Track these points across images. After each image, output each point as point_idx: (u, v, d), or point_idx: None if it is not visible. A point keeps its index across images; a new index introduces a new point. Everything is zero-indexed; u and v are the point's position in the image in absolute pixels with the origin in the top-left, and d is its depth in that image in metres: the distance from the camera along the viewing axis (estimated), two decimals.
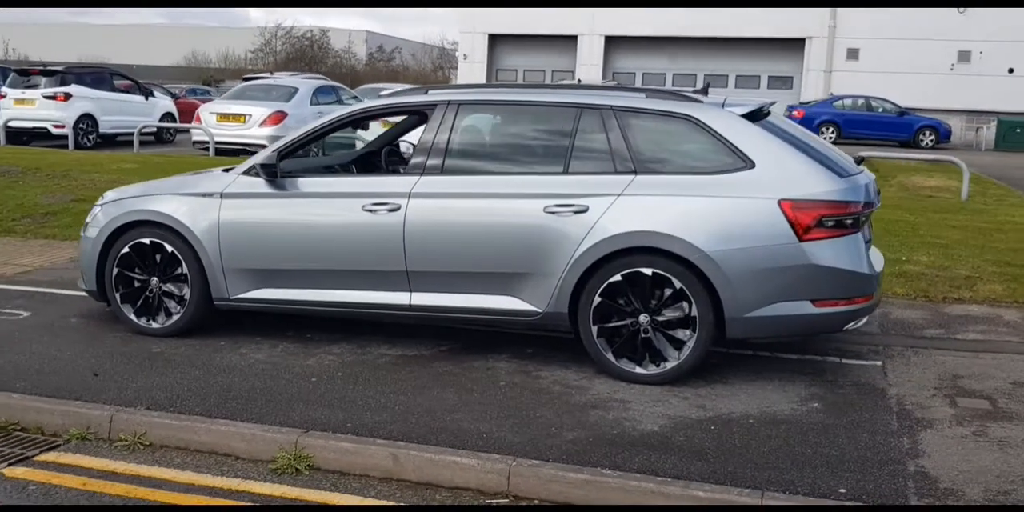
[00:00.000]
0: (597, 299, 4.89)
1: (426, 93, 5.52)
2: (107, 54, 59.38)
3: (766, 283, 4.73)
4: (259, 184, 5.44)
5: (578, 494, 3.73)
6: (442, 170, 5.21)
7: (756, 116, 5.07)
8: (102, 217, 5.77)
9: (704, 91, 5.43)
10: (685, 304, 4.79)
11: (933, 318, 6.42)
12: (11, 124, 16.89)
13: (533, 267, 4.97)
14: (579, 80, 17.42)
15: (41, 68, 17.53)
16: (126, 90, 18.47)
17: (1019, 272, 7.70)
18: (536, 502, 3.77)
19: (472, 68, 33.32)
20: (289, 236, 5.38)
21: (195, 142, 15.94)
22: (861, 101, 28.39)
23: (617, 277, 4.84)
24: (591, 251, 4.86)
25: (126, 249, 5.63)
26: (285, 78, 19.30)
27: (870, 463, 3.93)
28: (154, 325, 5.65)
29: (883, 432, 4.29)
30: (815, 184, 4.77)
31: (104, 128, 17.36)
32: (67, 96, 16.68)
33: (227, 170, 5.73)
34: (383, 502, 3.77)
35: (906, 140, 27.64)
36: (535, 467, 3.83)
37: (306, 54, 61.33)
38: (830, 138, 27.41)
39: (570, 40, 32.96)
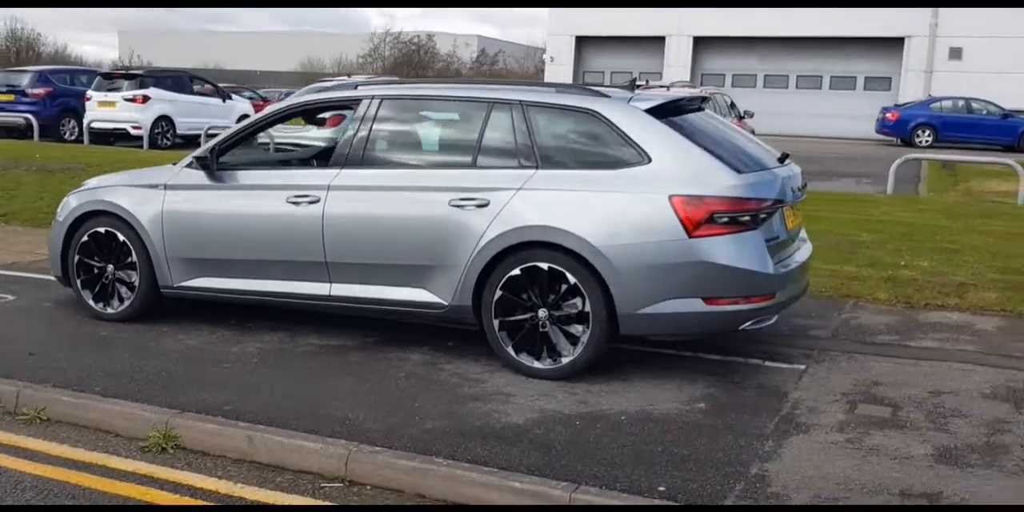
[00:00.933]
0: (498, 293, 4.91)
1: (355, 89, 5.65)
2: (231, 61, 62.21)
3: (656, 279, 4.66)
4: (200, 176, 5.68)
5: (407, 481, 3.79)
6: (361, 163, 5.33)
7: (664, 110, 4.99)
8: (71, 205, 6.13)
9: (631, 86, 5.37)
10: (579, 299, 4.77)
11: (897, 324, 6.15)
12: (93, 125, 17.97)
13: (440, 260, 5.04)
14: (641, 82, 17.17)
15: (123, 72, 18.57)
16: (205, 93, 19.36)
17: (1022, 280, 7.27)
18: (369, 487, 3.84)
19: (558, 70, 33.41)
20: (222, 227, 5.60)
21: (259, 144, 16.57)
22: (961, 103, 27.07)
23: (516, 271, 4.86)
24: (491, 245, 4.89)
25: (85, 237, 5.97)
26: (351, 80, 19.76)
27: (713, 464, 3.83)
28: (108, 310, 5.97)
29: (752, 435, 4.17)
30: (709, 180, 4.67)
31: (181, 129, 18.25)
32: (145, 99, 17.63)
33: (176, 164, 6.01)
34: (227, 482, 3.90)
35: (1010, 144, 26.16)
36: (373, 454, 3.90)
37: (412, 59, 62.66)
38: (926, 142, 26.29)
39: (658, 41, 32.67)
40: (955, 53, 29.84)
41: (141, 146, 17.90)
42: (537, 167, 4.95)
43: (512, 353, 4.94)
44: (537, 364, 4.89)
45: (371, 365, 5.13)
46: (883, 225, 9.91)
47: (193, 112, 18.43)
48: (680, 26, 31.97)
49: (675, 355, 5.38)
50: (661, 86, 16.56)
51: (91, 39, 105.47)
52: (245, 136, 5.80)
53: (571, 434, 4.15)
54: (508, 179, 4.96)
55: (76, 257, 6.02)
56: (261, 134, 5.90)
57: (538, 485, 3.60)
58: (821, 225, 9.55)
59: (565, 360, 4.84)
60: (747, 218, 4.66)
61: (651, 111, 4.89)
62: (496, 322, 4.95)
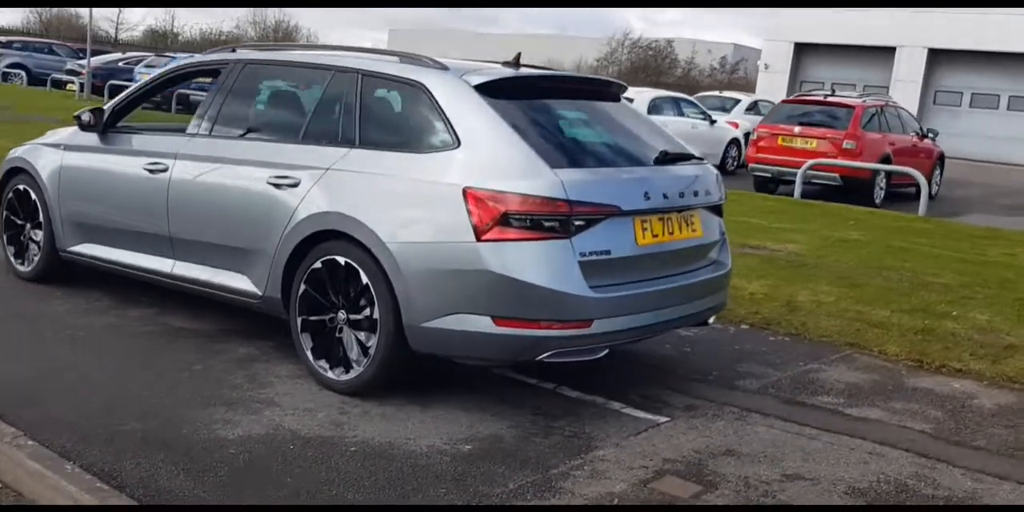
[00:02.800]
0: (302, 287, 4.28)
1: (232, 52, 5.19)
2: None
3: (442, 288, 3.83)
4: (92, 138, 5.45)
5: (28, 483, 3.27)
6: (210, 132, 4.88)
7: (506, 90, 4.12)
8: (3, 161, 6.13)
9: (515, 62, 4.50)
10: (371, 303, 4.02)
11: (864, 386, 4.84)
12: None
13: (255, 243, 4.48)
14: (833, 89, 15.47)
15: None
16: None
17: None
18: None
19: (773, 78, 31.38)
20: (97, 191, 5.36)
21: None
22: None
23: (318, 264, 4.20)
24: (295, 231, 4.27)
25: (10, 194, 5.94)
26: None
27: None
28: (21, 269, 5.90)
29: (480, 494, 3.27)
30: (512, 173, 3.78)
31: None
32: None
33: None
34: None
35: None
36: (17, 448, 3.42)
37: (649, 64, 61.77)
38: None
39: (886, 52, 29.73)
40: None
41: None
42: (353, 145, 4.26)
43: (311, 358, 4.28)
44: (330, 374, 4.20)
45: (184, 354, 4.64)
46: (982, 267, 8.13)
47: None
48: (913, 36, 28.85)
49: (525, 384, 4.48)
50: (821, 92, 14.92)
51: (370, 37, 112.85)
52: (133, 100, 5.49)
53: (261, 456, 3.46)
54: (322, 157, 4.30)
55: (4, 213, 6.00)
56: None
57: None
58: (910, 262, 8.02)
59: (353, 373, 4.12)
60: (554, 223, 3.72)
61: (484, 88, 4.05)
62: (299, 320, 4.31)
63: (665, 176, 4.13)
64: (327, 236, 4.16)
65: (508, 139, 3.85)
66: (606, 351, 3.96)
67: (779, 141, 13.74)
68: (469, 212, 3.73)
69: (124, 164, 5.20)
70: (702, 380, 4.77)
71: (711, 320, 4.70)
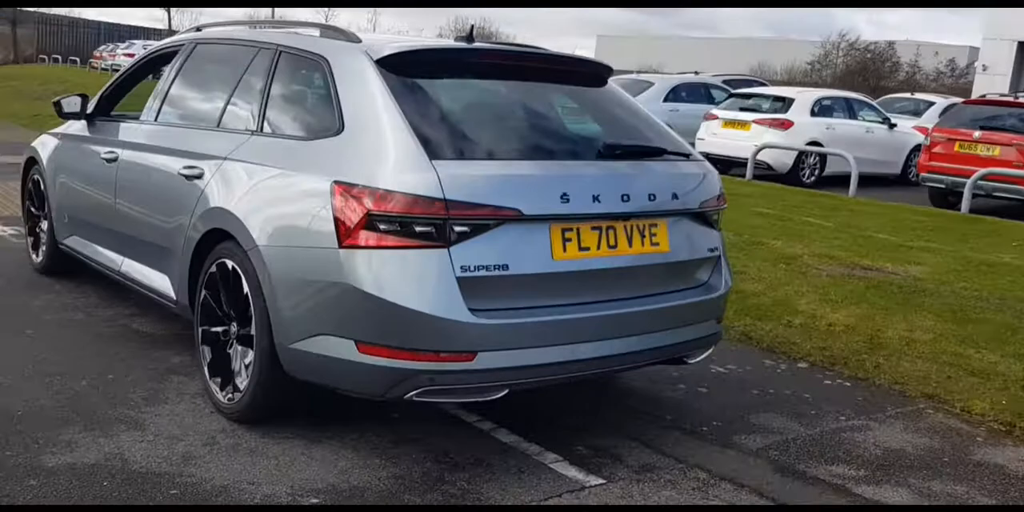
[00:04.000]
0: (203, 293, 3.73)
1: (198, 31, 4.72)
2: (680, 64, 62.81)
3: (308, 303, 3.16)
4: (82, 127, 5.19)
5: None
6: (156, 118, 4.44)
7: (417, 65, 3.37)
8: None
9: (467, 37, 3.73)
10: (251, 316, 3.41)
11: (911, 454, 3.72)
12: None
13: (170, 241, 3.99)
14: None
15: None
16: None
17: None
18: None
19: (992, 81, 28.01)
20: (72, 181, 5.11)
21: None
22: None
23: (213, 268, 3.64)
24: (194, 229, 3.73)
25: (29, 185, 5.84)
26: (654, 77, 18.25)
27: None
28: (35, 260, 5.78)
29: None
30: (384, 165, 3.04)
31: None
32: None
33: None
34: None
35: None
36: None
37: (867, 68, 57.85)
38: None
39: None
40: None
41: None
42: (255, 132, 3.67)
43: (207, 374, 3.73)
44: (219, 395, 3.63)
45: (115, 361, 4.22)
46: None
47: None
48: None
49: (458, 420, 3.71)
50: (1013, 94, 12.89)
51: (580, 44, 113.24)
52: (119, 86, 5.15)
53: (56, 491, 2.92)
54: (224, 146, 3.73)
55: (26, 203, 5.91)
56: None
57: None
58: None
59: (237, 396, 3.52)
60: (428, 228, 2.94)
61: (388, 63, 3.31)
62: (200, 331, 3.77)
63: (604, 174, 3.25)
64: (221, 236, 3.59)
65: (393, 123, 3.11)
66: (504, 392, 3.13)
67: (956, 147, 11.92)
68: (334, 212, 3.03)
69: (91, 153, 4.89)
70: (690, 431, 3.81)
71: (695, 359, 3.72)
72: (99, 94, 5.13)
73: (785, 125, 13.76)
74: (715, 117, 14.46)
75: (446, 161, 3.01)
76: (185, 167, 3.86)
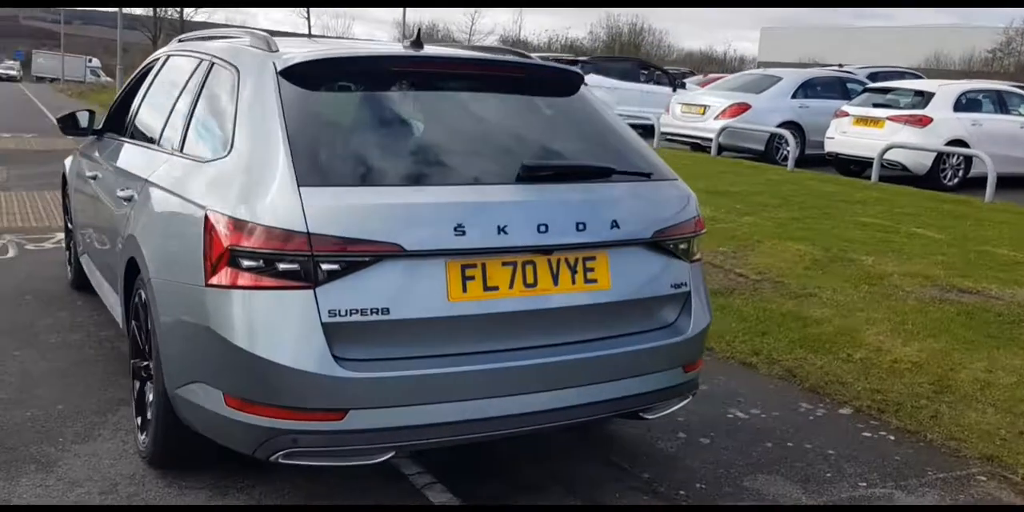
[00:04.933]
0: (132, 323, 3.49)
1: (179, 42, 4.44)
2: (841, 56, 59.75)
3: (184, 345, 2.85)
4: (92, 143, 5.10)
5: None
6: (125, 135, 4.27)
7: (320, 73, 2.95)
8: None
9: (415, 42, 3.28)
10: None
11: None
12: None
13: (115, 267, 3.76)
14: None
15: (570, 58, 18.54)
16: (658, 82, 18.47)
17: None
18: None
19: None
20: (76, 198, 5.05)
21: (663, 133, 15.20)
22: None
23: (136, 298, 3.38)
24: (121, 256, 3.48)
25: (65, 200, 5.86)
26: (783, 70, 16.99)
27: None
28: (68, 274, 5.79)
29: None
30: (250, 190, 2.66)
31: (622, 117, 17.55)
32: None
33: None
34: None
35: None
36: None
37: None
38: None
39: None
40: None
41: None
42: (175, 152, 3.37)
43: (134, 411, 3.48)
44: (140, 435, 3.36)
45: (79, 388, 4.06)
46: None
47: (632, 100, 17.63)
48: None
49: (392, 473, 3.29)
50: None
51: (744, 36, 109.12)
52: (120, 103, 4.99)
53: None
54: (148, 166, 3.47)
55: (65, 218, 5.95)
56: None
57: None
58: None
59: (146, 439, 3.24)
60: (292, 266, 2.54)
61: (292, 74, 2.91)
62: (132, 363, 3.53)
63: (515, 200, 2.74)
64: (136, 264, 3.33)
65: (271, 143, 2.72)
66: (389, 455, 2.69)
67: None
68: (204, 245, 2.69)
69: (84, 171, 4.78)
70: (663, 495, 3.25)
71: (655, 414, 3.14)
72: (108, 110, 5.02)
73: (923, 122, 12.49)
74: (846, 114, 13.33)
75: (318, 188, 2.60)
76: (121, 189, 3.64)
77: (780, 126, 13.64)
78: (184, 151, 3.31)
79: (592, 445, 3.65)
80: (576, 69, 3.42)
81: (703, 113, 14.42)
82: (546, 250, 2.76)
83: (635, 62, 19.31)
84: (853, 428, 3.99)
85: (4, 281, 5.82)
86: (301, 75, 2.93)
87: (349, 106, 2.99)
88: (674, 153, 14.25)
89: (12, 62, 65.98)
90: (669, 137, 15.02)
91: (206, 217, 2.68)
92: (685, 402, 3.25)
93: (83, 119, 4.93)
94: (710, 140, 13.95)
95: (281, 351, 2.52)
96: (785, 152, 13.50)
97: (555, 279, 2.78)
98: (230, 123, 2.95)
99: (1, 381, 4.11)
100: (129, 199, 3.52)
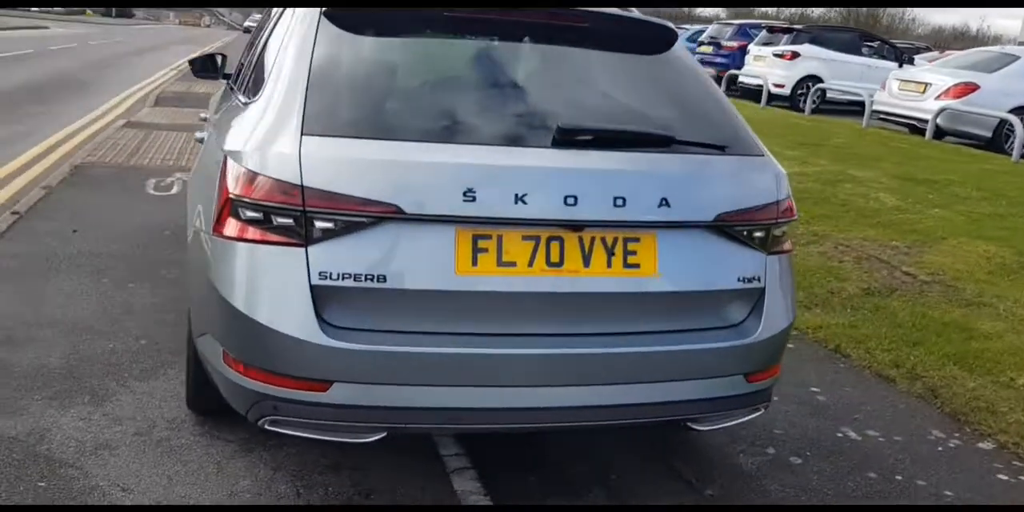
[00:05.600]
0: None
1: None
2: None
3: (198, 294, 2.70)
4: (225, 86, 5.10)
5: None
6: (233, 78, 4.16)
7: (374, 15, 2.66)
8: None
9: None
10: None
11: None
12: (741, 80, 17.31)
13: None
14: None
15: (785, 26, 17.30)
16: (882, 55, 16.92)
17: None
18: None
19: None
20: None
21: (874, 111, 13.90)
22: None
23: None
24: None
25: None
26: None
27: None
28: None
29: None
30: (259, 136, 2.44)
31: (832, 92, 16.32)
32: (794, 55, 16.19)
33: None
34: None
35: None
36: None
37: None
38: None
39: None
40: None
41: (788, 106, 16.72)
42: (237, 91, 3.26)
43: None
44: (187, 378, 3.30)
45: (155, 323, 4.12)
46: None
47: (849, 75, 16.25)
48: None
49: (432, 463, 3.06)
50: None
51: (1014, 13, 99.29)
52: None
53: None
54: (217, 109, 3.35)
55: None
56: None
57: None
58: None
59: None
60: (287, 221, 2.30)
61: (337, 14, 2.64)
62: None
63: (542, 166, 2.37)
64: None
65: (293, 83, 2.48)
66: (380, 435, 2.43)
67: None
68: (218, 191, 2.51)
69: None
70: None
71: (704, 427, 2.70)
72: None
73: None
74: None
75: (320, 138, 2.35)
76: (199, 132, 3.57)
77: (1013, 111, 12.11)
78: (240, 93, 3.16)
79: (657, 449, 3.25)
80: (668, 24, 2.95)
81: (923, 92, 13.06)
82: (575, 226, 2.39)
83: (858, 33, 17.82)
84: (988, 467, 3.36)
85: (156, 216, 6.04)
86: (343, 17, 2.66)
87: (386, 53, 2.72)
88: (886, 134, 13.06)
89: (258, 15, 70.66)
90: (883, 116, 13.76)
91: (224, 161, 2.51)
92: (750, 417, 2.79)
93: (214, 63, 4.84)
94: (926, 121, 12.63)
95: (265, 311, 2.32)
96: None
97: (586, 260, 2.41)
98: (271, 64, 2.76)
99: (103, 312, 4.23)
100: (201, 141, 3.45)
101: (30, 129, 9.89)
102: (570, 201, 2.35)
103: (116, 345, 3.84)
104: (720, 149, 2.62)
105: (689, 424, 2.65)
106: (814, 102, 16.23)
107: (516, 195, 2.32)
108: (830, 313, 4.94)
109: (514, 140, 2.44)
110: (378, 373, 2.32)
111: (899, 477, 3.22)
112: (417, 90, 2.62)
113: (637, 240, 2.45)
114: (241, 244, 2.36)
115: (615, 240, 2.43)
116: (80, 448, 2.95)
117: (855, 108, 15.56)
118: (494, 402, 2.40)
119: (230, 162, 2.44)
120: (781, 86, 16.54)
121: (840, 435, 3.52)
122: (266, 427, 2.45)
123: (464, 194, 2.31)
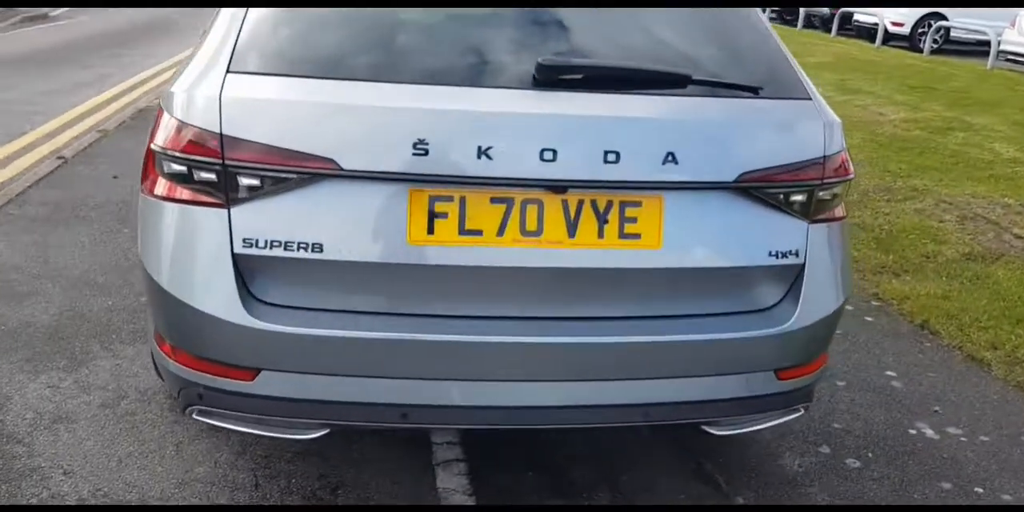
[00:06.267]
0: None
1: None
2: None
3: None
4: None
5: None
6: None
7: None
8: None
9: None
10: None
11: None
12: (857, 18, 16.03)
13: None
14: None
15: None
16: None
17: None
18: None
19: None
20: None
21: (1002, 52, 12.59)
22: None
23: None
24: None
25: None
26: None
27: None
28: None
29: None
30: (183, 79, 2.03)
31: (956, 32, 14.92)
32: None
33: None
34: None
35: None
36: None
37: None
38: None
39: None
40: None
41: (907, 46, 15.41)
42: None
43: None
44: None
45: None
46: None
47: (976, 12, 14.76)
48: None
49: (417, 454, 2.68)
50: None
51: None
52: None
53: None
54: None
55: None
56: None
57: None
58: None
59: None
60: (209, 176, 1.90)
61: None
62: None
63: (514, 113, 1.90)
64: None
65: (234, 19, 2.06)
66: (320, 432, 2.04)
67: None
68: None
69: None
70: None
71: (724, 431, 2.21)
72: None
73: None
74: None
75: (246, 76, 1.93)
76: None
77: None
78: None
79: (684, 447, 2.78)
80: None
81: None
82: (557, 187, 1.92)
83: None
84: None
85: None
86: None
87: None
88: (1013, 76, 11.84)
89: None
90: (1011, 57, 12.48)
91: (158, 110, 2.12)
92: (785, 419, 2.29)
93: None
94: None
95: (180, 283, 1.95)
96: None
97: (571, 229, 1.94)
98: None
99: (113, 265, 3.99)
100: None
101: (119, 68, 9.87)
102: (547, 155, 1.87)
103: (115, 302, 3.58)
104: (752, 91, 2.08)
105: (704, 427, 2.18)
106: (935, 42, 14.90)
107: (479, 148, 1.86)
108: (922, 281, 4.31)
109: (482, 80, 1.97)
110: (313, 361, 1.93)
111: (980, 490, 2.67)
112: (367, 18, 2.15)
113: (638, 204, 1.96)
114: (159, 202, 1.97)
115: (609, 204, 1.95)
116: (36, 421, 2.69)
117: (982, 49, 14.20)
118: (453, 398, 1.98)
119: (163, 110, 2.05)
120: (900, 25, 15.23)
121: (914, 432, 2.98)
122: (195, 417, 2.10)
123: (414, 146, 1.86)
